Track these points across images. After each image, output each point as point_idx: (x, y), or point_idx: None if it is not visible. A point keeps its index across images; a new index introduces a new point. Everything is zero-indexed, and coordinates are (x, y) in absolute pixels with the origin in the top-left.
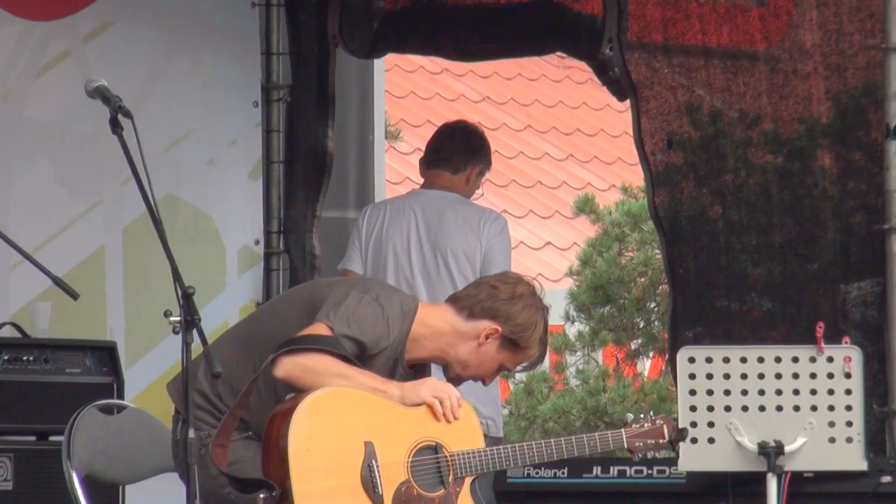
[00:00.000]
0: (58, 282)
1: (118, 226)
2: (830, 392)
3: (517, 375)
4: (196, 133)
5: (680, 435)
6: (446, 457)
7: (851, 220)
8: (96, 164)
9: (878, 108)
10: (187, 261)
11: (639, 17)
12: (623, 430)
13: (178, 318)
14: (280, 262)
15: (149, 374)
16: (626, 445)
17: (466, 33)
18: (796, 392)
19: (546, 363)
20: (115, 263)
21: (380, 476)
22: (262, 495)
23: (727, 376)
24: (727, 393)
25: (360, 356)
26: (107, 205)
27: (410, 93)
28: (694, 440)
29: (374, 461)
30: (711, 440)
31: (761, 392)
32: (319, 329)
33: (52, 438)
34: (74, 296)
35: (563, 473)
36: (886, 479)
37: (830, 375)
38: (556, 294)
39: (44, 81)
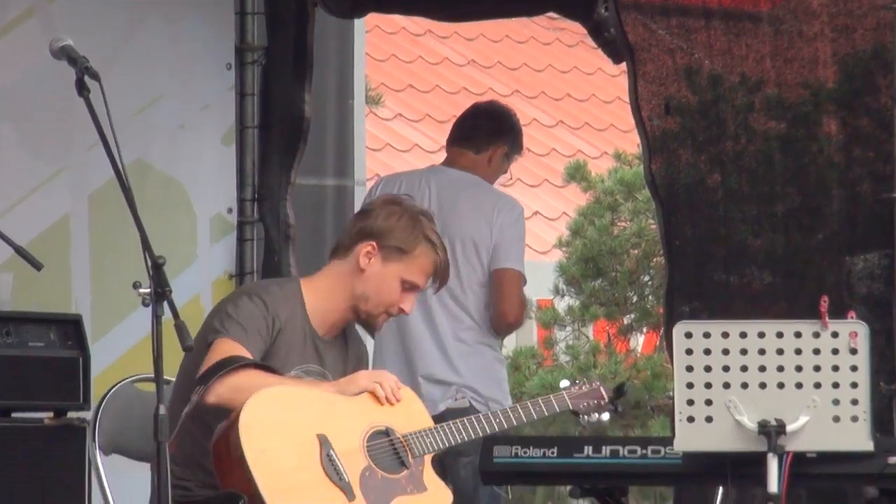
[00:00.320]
0: (20, 251)
1: (84, 193)
2: (835, 369)
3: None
4: (167, 96)
5: (618, 393)
6: (400, 438)
7: (858, 188)
8: (61, 129)
9: (888, 72)
10: (157, 230)
11: None
12: (564, 391)
13: (148, 290)
14: (254, 232)
15: (116, 348)
16: (570, 407)
17: None
18: (799, 369)
19: (534, 338)
20: (80, 232)
21: (342, 464)
22: None
23: (726, 352)
24: (726, 369)
25: (268, 354)
26: (72, 171)
27: (392, 55)
28: (691, 419)
29: (331, 451)
30: (709, 419)
31: (762, 369)
32: (224, 346)
33: (14, 415)
34: (38, 266)
35: (552, 453)
36: (894, 459)
37: (835, 351)
38: (545, 266)
39: (6, 42)
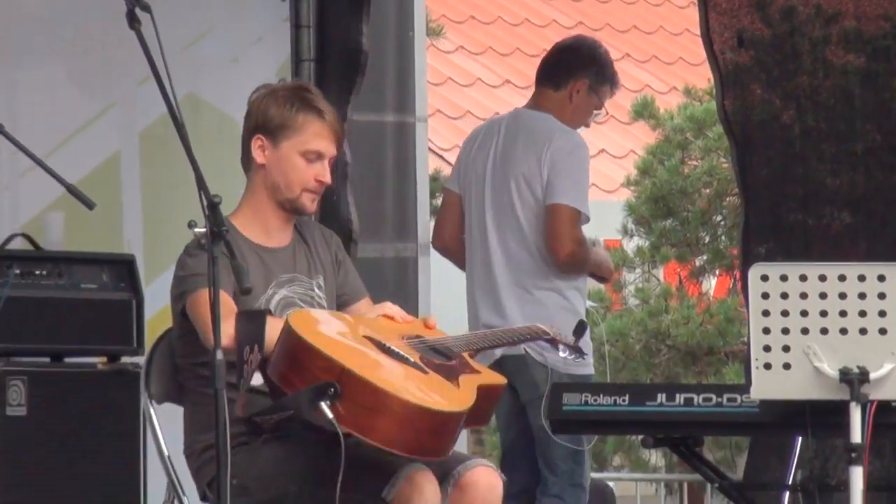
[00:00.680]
0: (72, 190)
1: (134, 130)
2: None
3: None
4: (219, 29)
5: (580, 328)
6: (433, 342)
7: None
8: (111, 64)
9: None
10: (210, 167)
11: None
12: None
13: (204, 230)
14: None
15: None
16: (550, 333)
17: None
18: (882, 314)
19: None
20: (131, 170)
21: (401, 352)
22: (323, 402)
23: (804, 296)
24: (804, 314)
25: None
26: (122, 107)
27: None
28: (768, 366)
29: (386, 344)
30: (787, 366)
31: (843, 313)
32: (202, 297)
33: (66, 360)
34: (90, 205)
35: (623, 401)
36: None
37: None
38: (612, 206)
39: None
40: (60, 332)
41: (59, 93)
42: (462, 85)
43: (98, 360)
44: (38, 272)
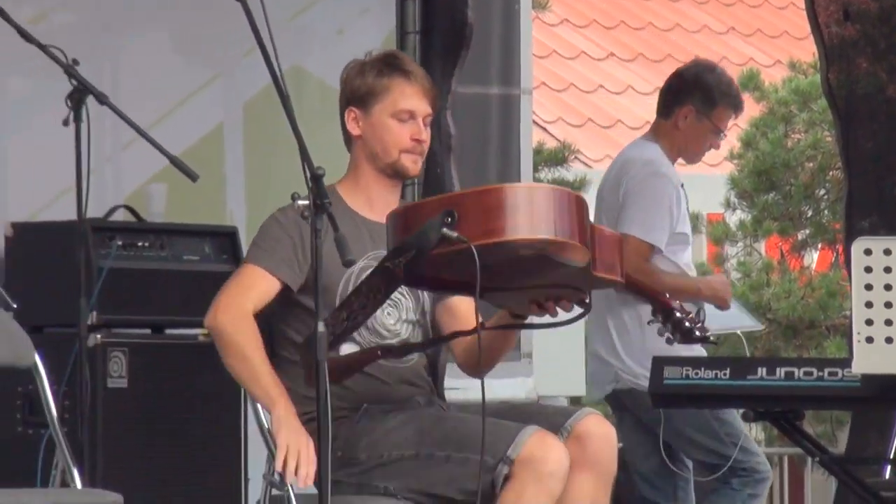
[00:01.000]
0: (175, 161)
1: (238, 101)
2: None
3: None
4: (324, 1)
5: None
6: None
7: None
8: (216, 35)
9: None
10: (313, 140)
11: None
12: None
13: (307, 202)
14: None
15: None
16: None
17: None
18: None
19: (704, 253)
20: (234, 142)
21: None
22: (445, 229)
23: None
24: None
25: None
26: (226, 78)
27: None
28: (870, 340)
29: None
30: (889, 340)
31: None
32: (245, 271)
33: (168, 332)
34: (193, 177)
35: (724, 375)
36: None
37: None
38: (716, 179)
39: None
40: (162, 304)
41: (163, 63)
42: (566, 58)
43: (199, 332)
44: (140, 244)
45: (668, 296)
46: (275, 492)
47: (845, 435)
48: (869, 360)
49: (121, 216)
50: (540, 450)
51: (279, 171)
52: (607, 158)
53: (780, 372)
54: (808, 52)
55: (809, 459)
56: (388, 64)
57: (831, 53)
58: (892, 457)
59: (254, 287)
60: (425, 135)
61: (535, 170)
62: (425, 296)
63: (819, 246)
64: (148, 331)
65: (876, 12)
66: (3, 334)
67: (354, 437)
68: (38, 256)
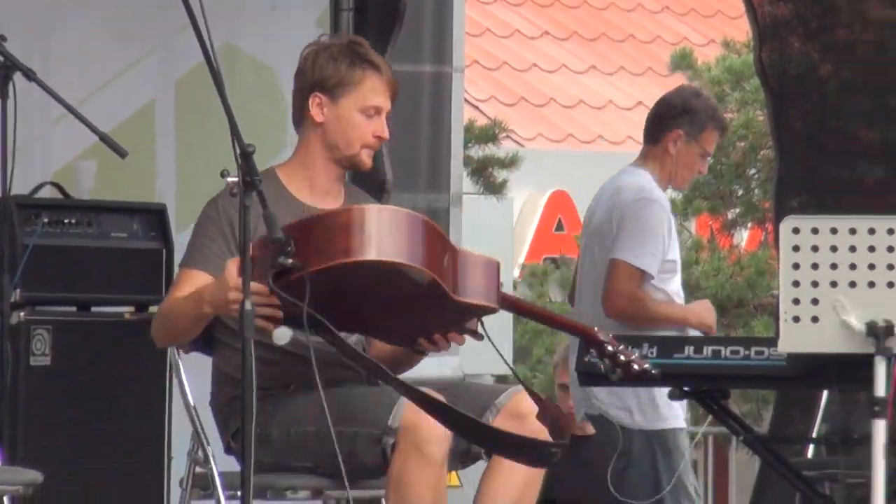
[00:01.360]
0: (104, 138)
1: (171, 78)
2: None
3: None
4: None
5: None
6: None
7: None
8: (148, 10)
9: None
10: (245, 117)
11: None
12: None
13: (236, 179)
14: None
15: None
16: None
17: None
18: None
19: None
20: (166, 119)
21: None
22: (280, 259)
23: (834, 249)
24: (834, 267)
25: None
26: (159, 55)
27: None
28: (797, 319)
29: None
30: (815, 319)
31: (871, 266)
32: (182, 277)
33: (94, 309)
34: (122, 153)
35: (651, 353)
36: None
37: None
38: None
39: None
40: (88, 282)
41: (94, 40)
42: (500, 36)
43: (126, 310)
44: (66, 221)
45: (595, 329)
46: (198, 470)
47: (770, 414)
48: (795, 339)
49: (48, 193)
50: (415, 418)
51: (210, 148)
52: (539, 137)
53: (707, 350)
54: (741, 31)
55: (734, 438)
56: (359, 56)
57: (764, 33)
58: (814, 436)
59: (183, 287)
60: (387, 132)
61: (466, 148)
62: None
63: (749, 225)
64: (73, 308)
65: None
66: None
67: (272, 416)
68: None
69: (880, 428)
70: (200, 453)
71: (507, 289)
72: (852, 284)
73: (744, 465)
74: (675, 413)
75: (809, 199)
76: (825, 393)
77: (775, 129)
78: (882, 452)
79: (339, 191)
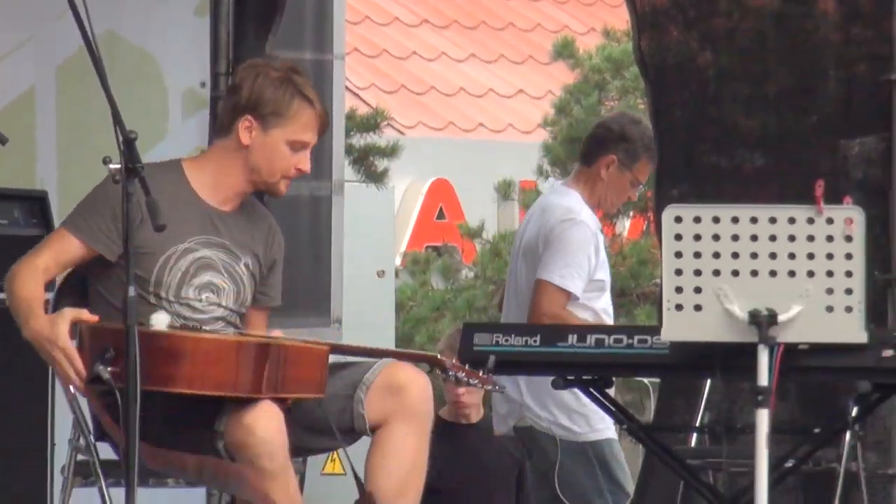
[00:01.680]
0: None
1: (51, 64)
2: (829, 256)
3: (484, 236)
4: None
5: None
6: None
7: (855, 69)
8: None
9: None
10: (127, 104)
11: None
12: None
13: (119, 166)
14: None
15: None
16: (445, 363)
17: None
18: (792, 256)
19: (516, 222)
20: (47, 105)
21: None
22: (99, 366)
23: (716, 238)
24: (716, 256)
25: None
26: (39, 41)
27: None
28: (679, 307)
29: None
30: (698, 307)
31: (754, 255)
32: (52, 236)
33: None
34: (3, 140)
35: (535, 341)
36: (889, 352)
37: (829, 238)
38: (529, 147)
39: None
40: None
41: None
42: (379, 24)
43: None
44: None
45: (438, 356)
46: (80, 457)
47: (654, 403)
48: (678, 327)
49: None
50: (240, 436)
51: (92, 135)
52: (420, 125)
53: (591, 339)
54: (622, 19)
55: (618, 427)
56: (297, 88)
57: (643, 21)
58: (697, 425)
59: (52, 248)
60: (308, 166)
61: (348, 136)
62: (247, 289)
63: (631, 214)
64: None
65: None
66: None
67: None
68: None
69: (763, 417)
70: (82, 441)
71: (390, 278)
72: (735, 273)
73: (628, 454)
74: (606, 424)
75: (690, 188)
76: (708, 381)
77: (654, 117)
78: (765, 441)
79: (239, 201)
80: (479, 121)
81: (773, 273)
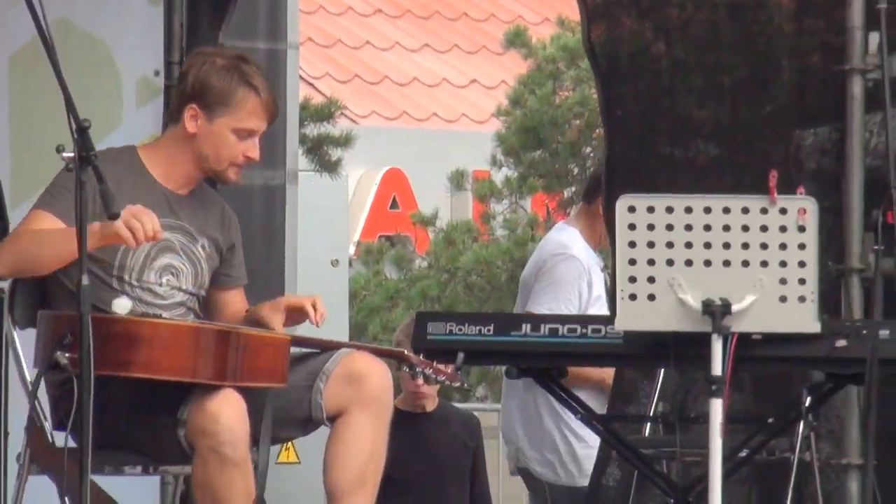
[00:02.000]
0: None
1: (4, 53)
2: (783, 247)
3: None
4: None
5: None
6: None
7: (808, 60)
8: None
9: None
10: (80, 92)
11: None
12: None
13: (72, 154)
14: None
15: None
16: (410, 358)
17: None
18: (745, 246)
19: (470, 212)
20: (0, 94)
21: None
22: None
23: (670, 227)
24: (670, 246)
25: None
26: None
27: None
28: (633, 297)
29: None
30: (652, 297)
31: (707, 245)
32: (29, 217)
33: None
34: None
35: (488, 331)
36: (842, 342)
37: (783, 229)
38: (482, 136)
39: None
40: None
41: None
42: (333, 13)
43: None
44: None
45: (405, 352)
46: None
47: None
48: (632, 317)
49: None
50: (204, 422)
51: (45, 123)
52: (374, 115)
53: (545, 328)
54: (575, 9)
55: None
56: (244, 76)
57: (594, 13)
58: (651, 414)
59: (36, 227)
60: (257, 153)
61: (302, 125)
62: (205, 272)
63: None
64: None
65: None
66: None
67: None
68: None
69: (717, 407)
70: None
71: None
72: (688, 263)
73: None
74: None
75: (643, 178)
76: (662, 371)
77: (606, 108)
78: (719, 431)
79: (193, 185)
80: (432, 110)
81: (726, 263)
